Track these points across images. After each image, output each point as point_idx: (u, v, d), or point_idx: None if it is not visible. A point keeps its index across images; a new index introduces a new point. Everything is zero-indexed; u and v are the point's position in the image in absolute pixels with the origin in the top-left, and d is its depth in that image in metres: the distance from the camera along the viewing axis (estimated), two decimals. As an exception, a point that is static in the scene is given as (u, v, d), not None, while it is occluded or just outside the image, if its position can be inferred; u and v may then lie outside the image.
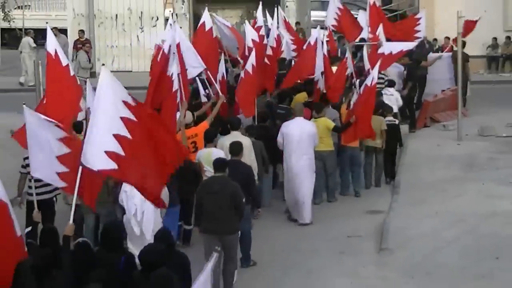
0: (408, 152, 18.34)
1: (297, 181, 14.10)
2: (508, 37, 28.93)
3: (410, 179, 16.31)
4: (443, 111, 21.63)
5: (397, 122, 16.85)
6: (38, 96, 20.46)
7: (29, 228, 11.09)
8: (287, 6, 29.03)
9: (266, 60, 16.99)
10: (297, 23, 28.70)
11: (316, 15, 33.51)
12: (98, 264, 8.64)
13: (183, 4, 29.66)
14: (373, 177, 16.40)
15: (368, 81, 15.23)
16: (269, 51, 17.19)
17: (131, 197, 11.10)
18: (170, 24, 14.91)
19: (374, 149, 16.28)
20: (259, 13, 19.53)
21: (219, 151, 12.68)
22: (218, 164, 11.19)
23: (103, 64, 10.08)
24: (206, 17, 17.07)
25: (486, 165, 17.03)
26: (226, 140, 13.20)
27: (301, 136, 14.09)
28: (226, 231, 10.91)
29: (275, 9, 20.11)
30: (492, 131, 19.73)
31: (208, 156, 12.61)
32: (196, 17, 29.80)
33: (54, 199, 12.05)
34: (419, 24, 21.88)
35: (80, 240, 9.32)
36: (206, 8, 17.33)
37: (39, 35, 28.97)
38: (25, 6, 34.92)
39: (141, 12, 30.07)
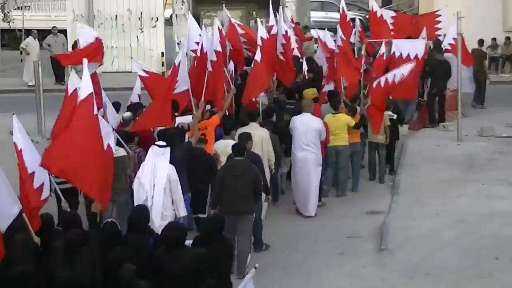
0: (408, 152, 18.33)
1: (302, 174, 14.38)
2: (507, 38, 28.82)
3: (410, 179, 16.29)
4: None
5: (395, 117, 16.87)
6: (38, 97, 20.57)
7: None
8: (287, 7, 28.95)
9: (281, 57, 17.11)
10: (297, 24, 28.66)
11: (315, 15, 33.52)
12: (126, 245, 8.98)
13: (182, 5, 29.64)
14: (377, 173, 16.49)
15: (389, 78, 16.14)
16: (280, 49, 17.25)
17: (142, 185, 11.32)
18: (219, 27, 15.52)
19: (376, 145, 16.35)
20: (271, 12, 19.62)
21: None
22: (237, 149, 11.96)
23: (71, 68, 10.88)
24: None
25: (486, 165, 17.02)
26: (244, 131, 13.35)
27: (306, 131, 14.31)
28: (244, 211, 11.60)
29: (280, 9, 20.13)
30: (492, 131, 19.70)
31: (225, 147, 12.96)
32: (196, 17, 29.78)
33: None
34: (439, 21, 21.98)
35: (109, 220, 9.66)
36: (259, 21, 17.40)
37: (39, 35, 28.99)
38: (25, 7, 34.82)
39: (141, 13, 30.05)
